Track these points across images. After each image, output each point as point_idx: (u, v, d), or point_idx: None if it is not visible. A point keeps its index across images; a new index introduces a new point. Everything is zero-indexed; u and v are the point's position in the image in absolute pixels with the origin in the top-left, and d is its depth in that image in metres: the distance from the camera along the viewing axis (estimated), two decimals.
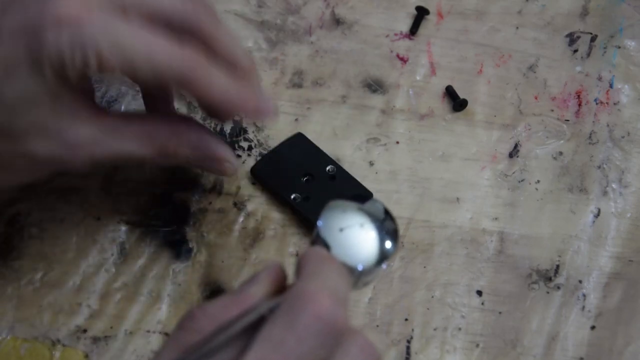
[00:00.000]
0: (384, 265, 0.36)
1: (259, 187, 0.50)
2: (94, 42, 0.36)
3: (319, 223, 0.36)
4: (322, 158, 0.50)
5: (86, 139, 0.40)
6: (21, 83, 0.37)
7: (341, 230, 0.36)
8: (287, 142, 0.51)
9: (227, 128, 0.52)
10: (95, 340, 0.45)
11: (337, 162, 0.50)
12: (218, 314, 0.33)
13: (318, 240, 0.36)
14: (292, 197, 0.49)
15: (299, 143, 0.51)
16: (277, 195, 0.49)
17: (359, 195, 0.38)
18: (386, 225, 0.37)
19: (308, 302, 0.31)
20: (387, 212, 0.37)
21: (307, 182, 0.50)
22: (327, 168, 0.50)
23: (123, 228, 0.48)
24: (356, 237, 0.36)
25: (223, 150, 0.45)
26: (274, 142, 0.52)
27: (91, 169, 0.41)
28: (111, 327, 0.46)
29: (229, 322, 0.32)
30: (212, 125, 0.52)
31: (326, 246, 0.36)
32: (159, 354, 0.33)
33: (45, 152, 0.39)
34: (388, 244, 0.36)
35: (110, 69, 0.38)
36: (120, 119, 0.42)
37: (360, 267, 0.35)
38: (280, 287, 0.35)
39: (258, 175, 0.50)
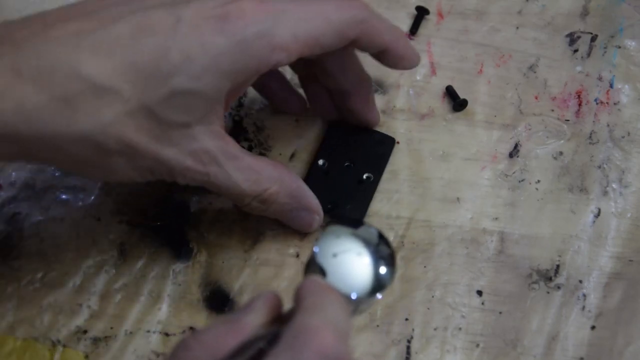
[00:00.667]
0: (378, 295, 0.36)
1: None
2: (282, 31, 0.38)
3: (315, 249, 0.36)
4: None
5: (209, 154, 0.40)
6: (205, 80, 0.38)
7: (334, 256, 0.36)
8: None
9: (227, 128, 0.52)
10: (96, 340, 0.45)
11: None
12: (214, 343, 0.32)
13: (314, 265, 0.36)
14: (329, 207, 0.49)
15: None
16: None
17: (354, 220, 0.38)
18: (381, 251, 0.36)
19: (311, 338, 0.30)
20: (381, 237, 0.37)
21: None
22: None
23: (123, 228, 0.48)
24: (350, 263, 0.36)
25: (316, 204, 0.46)
26: (274, 142, 0.52)
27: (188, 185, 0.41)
28: (111, 328, 0.46)
29: (227, 356, 0.31)
30: None
31: (322, 272, 0.35)
32: None
33: (173, 158, 0.39)
34: (383, 271, 0.36)
35: (301, 53, 0.39)
36: (238, 148, 0.42)
37: (354, 296, 0.35)
38: (276, 315, 0.35)
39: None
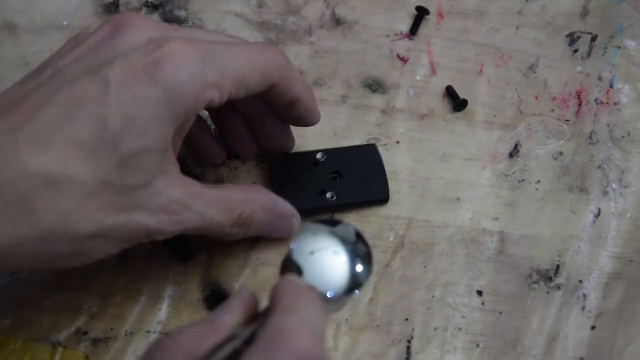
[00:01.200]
0: (355, 293, 0.36)
1: None
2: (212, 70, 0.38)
3: (292, 246, 0.36)
4: (307, 156, 0.50)
5: (177, 202, 0.39)
6: (149, 134, 0.37)
7: (311, 253, 0.36)
8: (273, 173, 0.50)
9: None
10: (96, 341, 0.45)
11: (318, 149, 0.50)
12: (190, 343, 0.32)
13: (290, 263, 0.35)
14: (328, 197, 0.49)
15: (280, 165, 0.50)
16: (315, 209, 0.49)
17: (332, 220, 0.38)
18: (358, 249, 0.36)
19: (287, 340, 0.30)
20: (359, 236, 0.37)
21: (322, 180, 0.50)
22: (317, 156, 0.50)
23: None
24: (327, 261, 0.36)
25: (290, 209, 0.46)
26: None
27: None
28: (111, 329, 0.46)
29: (203, 356, 0.31)
30: None
31: (298, 270, 0.35)
32: None
33: (144, 221, 0.38)
34: (359, 269, 0.36)
35: (229, 93, 0.39)
36: (200, 185, 0.41)
37: (330, 295, 0.35)
38: (253, 315, 0.35)
39: None
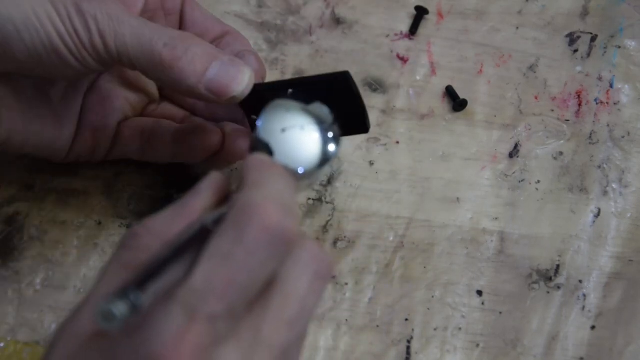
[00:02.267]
0: (325, 168, 0.35)
1: None
2: None
3: (259, 123, 0.35)
4: (279, 89, 0.42)
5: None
6: None
7: (283, 131, 0.35)
8: (244, 106, 0.44)
9: None
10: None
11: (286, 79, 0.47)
12: (162, 229, 0.32)
13: (258, 142, 0.35)
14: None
15: (254, 95, 0.42)
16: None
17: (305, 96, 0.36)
18: (331, 127, 0.36)
19: (255, 214, 0.30)
20: (333, 115, 0.36)
21: None
22: (288, 92, 0.42)
23: (124, 231, 0.48)
24: (298, 138, 0.35)
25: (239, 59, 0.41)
26: None
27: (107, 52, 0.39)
28: None
29: (175, 238, 0.31)
30: None
31: (267, 148, 0.34)
32: (103, 277, 0.31)
33: None
34: (332, 146, 0.35)
35: None
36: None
37: (301, 171, 0.34)
38: (224, 198, 0.34)
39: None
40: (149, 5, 0.44)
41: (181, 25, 0.46)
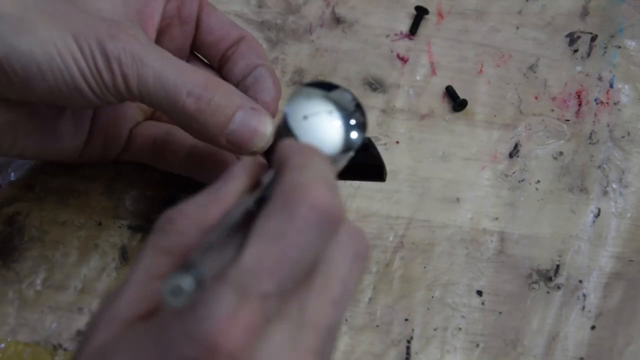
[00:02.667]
0: (350, 153, 0.35)
1: None
2: None
3: (286, 109, 0.35)
4: None
5: (135, 37, 0.38)
6: None
7: (305, 117, 0.35)
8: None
9: None
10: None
11: None
12: (198, 214, 0.31)
13: (284, 128, 0.35)
14: None
15: None
16: None
17: (327, 83, 0.36)
18: (353, 114, 0.36)
19: (305, 194, 0.29)
20: (355, 102, 0.36)
21: None
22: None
23: (124, 232, 0.48)
24: (321, 124, 0.35)
25: (260, 105, 0.41)
26: None
27: (128, 90, 0.39)
28: None
29: (217, 222, 0.30)
30: None
31: (292, 134, 0.34)
32: (139, 262, 0.31)
33: (90, 19, 0.38)
34: (354, 133, 0.35)
35: None
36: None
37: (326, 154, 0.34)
38: (255, 183, 0.34)
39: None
40: (166, 14, 0.44)
41: (197, 32, 0.46)
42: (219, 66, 0.46)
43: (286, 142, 0.34)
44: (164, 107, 0.39)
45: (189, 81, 0.38)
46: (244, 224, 0.30)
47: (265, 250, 0.29)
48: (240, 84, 0.45)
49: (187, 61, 0.47)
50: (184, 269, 0.27)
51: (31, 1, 0.37)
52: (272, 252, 0.29)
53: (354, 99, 0.36)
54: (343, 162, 0.36)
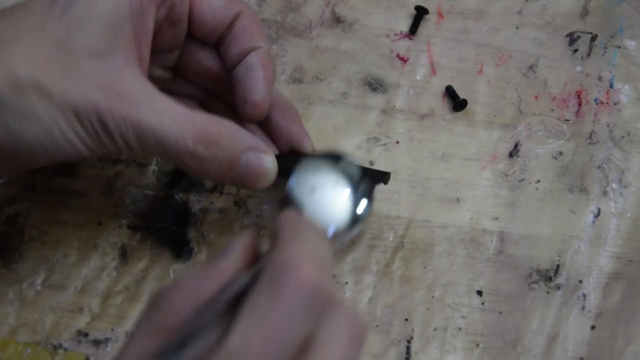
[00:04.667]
0: (356, 229, 0.35)
1: None
2: None
3: (292, 181, 0.35)
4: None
5: (131, 92, 0.39)
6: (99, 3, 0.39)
7: (313, 189, 0.34)
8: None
9: None
10: (97, 342, 0.45)
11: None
12: (193, 290, 0.31)
13: (290, 199, 0.34)
14: None
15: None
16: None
17: (333, 153, 0.36)
18: (361, 188, 0.35)
19: (291, 270, 0.29)
20: (363, 171, 0.36)
21: None
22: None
23: (124, 232, 0.48)
24: (328, 198, 0.35)
25: (263, 144, 0.42)
26: None
27: (129, 147, 0.39)
28: (112, 330, 0.46)
29: (209, 300, 0.30)
30: None
31: (297, 206, 0.34)
32: (132, 338, 0.31)
33: (92, 90, 0.38)
34: (361, 206, 0.35)
35: None
36: (163, 94, 0.40)
37: (331, 231, 0.34)
38: (254, 258, 0.34)
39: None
40: (156, 23, 0.44)
41: (190, 27, 0.45)
42: (217, 48, 0.46)
43: (283, 215, 0.33)
44: (167, 159, 0.40)
45: (189, 136, 0.39)
46: (236, 302, 0.30)
47: (250, 331, 0.28)
48: (233, 76, 0.45)
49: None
50: (164, 356, 0.26)
51: (41, 60, 0.37)
52: (257, 334, 0.28)
53: (361, 170, 0.36)
54: (351, 236, 0.36)
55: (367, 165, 0.49)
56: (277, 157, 0.44)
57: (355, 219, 0.34)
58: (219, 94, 0.48)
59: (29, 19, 0.38)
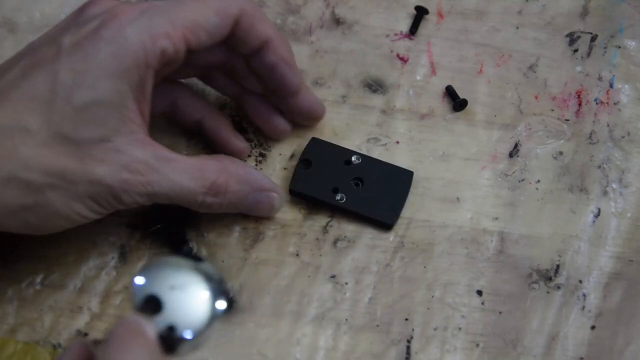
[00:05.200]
0: (213, 326, 0.35)
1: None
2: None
3: (139, 278, 0.35)
4: (343, 153, 0.50)
5: (142, 162, 0.40)
6: (100, 87, 0.39)
7: (172, 288, 0.34)
8: (307, 150, 0.50)
9: None
10: (96, 343, 0.45)
11: (357, 151, 0.51)
12: None
13: (147, 296, 0.34)
14: (338, 198, 0.49)
15: (317, 147, 0.50)
16: (320, 202, 0.49)
17: (195, 255, 0.38)
18: (217, 285, 0.36)
19: None
20: (217, 274, 0.36)
21: (343, 180, 0.49)
22: (352, 158, 0.50)
23: (123, 231, 0.48)
24: (187, 298, 0.35)
25: (269, 182, 0.47)
26: (274, 142, 0.52)
27: (141, 205, 0.42)
28: None
29: None
30: None
31: (156, 302, 0.34)
32: None
33: (106, 175, 0.39)
34: (220, 304, 0.35)
35: (186, 40, 0.41)
36: (170, 151, 0.42)
37: (189, 335, 0.34)
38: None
39: (298, 192, 0.49)
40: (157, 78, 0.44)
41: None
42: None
43: (122, 320, 0.33)
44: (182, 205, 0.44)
45: (200, 191, 0.43)
46: None
47: None
48: (261, 74, 0.48)
49: None
50: None
51: (51, 155, 0.39)
52: None
53: (220, 274, 0.36)
54: (206, 336, 0.36)
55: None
56: (313, 139, 0.51)
57: (212, 317, 0.34)
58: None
59: (33, 110, 0.38)
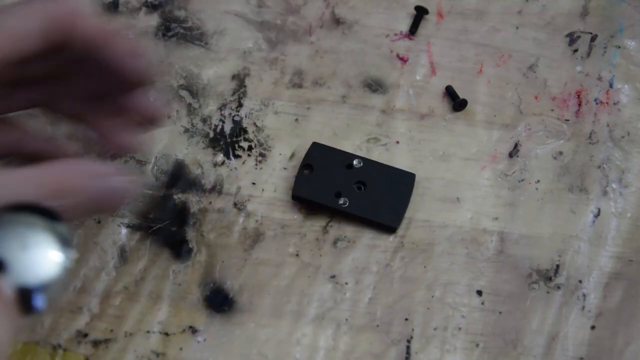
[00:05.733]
0: (60, 279, 0.33)
1: (259, 188, 0.50)
2: None
3: None
4: (345, 156, 0.50)
5: None
6: None
7: (24, 247, 0.33)
8: (308, 154, 0.50)
9: (227, 128, 0.52)
10: (96, 343, 0.45)
11: (358, 153, 0.51)
12: None
13: None
14: (341, 203, 0.49)
15: (318, 151, 0.51)
16: (323, 206, 0.49)
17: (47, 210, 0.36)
18: (69, 247, 0.35)
19: None
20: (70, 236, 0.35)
21: (345, 184, 0.50)
22: (354, 162, 0.50)
23: (123, 231, 0.48)
24: (39, 257, 0.33)
25: (112, 169, 0.39)
26: (274, 142, 0.52)
27: None
28: (111, 330, 0.46)
29: None
30: (213, 126, 0.52)
31: (2, 265, 0.32)
32: None
33: None
34: (65, 257, 0.34)
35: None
36: (3, 166, 0.39)
37: (40, 302, 0.33)
38: None
39: (300, 197, 0.49)
40: None
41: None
42: None
43: None
44: None
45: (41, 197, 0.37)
46: None
47: None
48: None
49: None
50: None
51: None
52: None
53: (70, 233, 0.35)
54: (57, 291, 0.35)
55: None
56: (314, 144, 0.51)
57: (62, 271, 0.34)
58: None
59: None
